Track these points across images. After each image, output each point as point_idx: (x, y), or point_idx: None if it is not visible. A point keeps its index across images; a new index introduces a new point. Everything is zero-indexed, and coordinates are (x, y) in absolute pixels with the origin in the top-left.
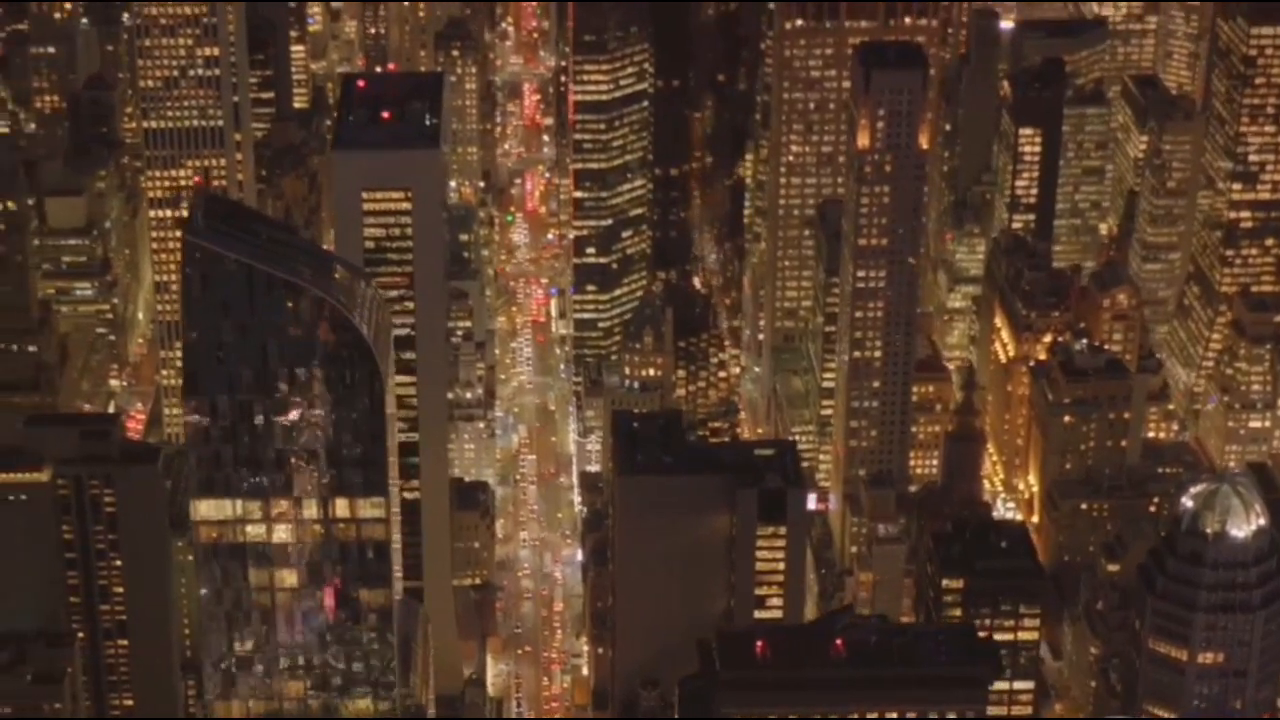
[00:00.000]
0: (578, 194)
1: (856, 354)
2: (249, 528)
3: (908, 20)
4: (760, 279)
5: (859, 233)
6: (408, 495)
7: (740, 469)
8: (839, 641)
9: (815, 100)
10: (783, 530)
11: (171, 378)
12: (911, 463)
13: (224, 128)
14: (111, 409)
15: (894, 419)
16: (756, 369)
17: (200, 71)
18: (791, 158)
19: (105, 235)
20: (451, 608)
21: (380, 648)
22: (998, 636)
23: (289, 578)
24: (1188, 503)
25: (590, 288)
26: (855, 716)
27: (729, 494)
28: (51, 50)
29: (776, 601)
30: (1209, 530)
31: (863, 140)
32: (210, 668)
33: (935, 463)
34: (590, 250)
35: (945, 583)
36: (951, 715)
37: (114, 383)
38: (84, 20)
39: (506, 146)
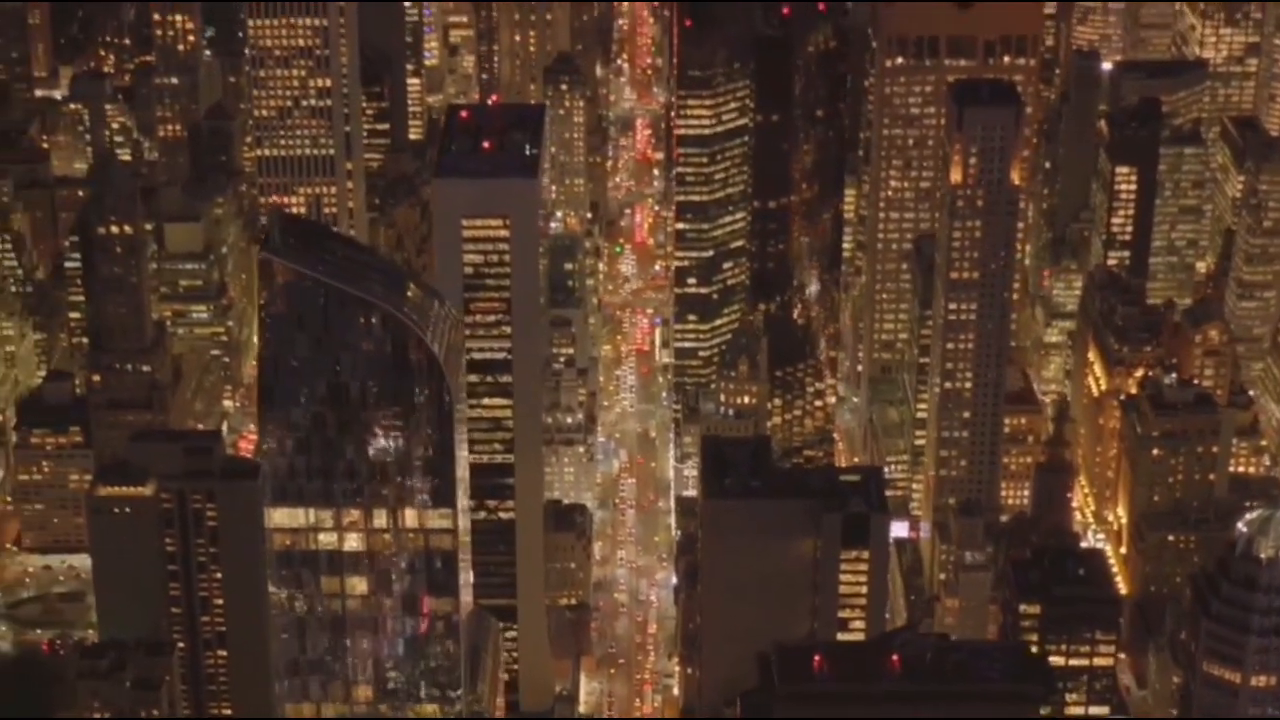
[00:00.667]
0: (680, 226)
1: (947, 385)
2: (321, 536)
3: (1006, 59)
4: (860, 311)
5: (951, 266)
6: (503, 515)
7: (825, 494)
8: (895, 657)
9: (914, 137)
10: (865, 554)
11: None
12: (1003, 493)
13: (335, 156)
14: (224, 429)
15: (983, 449)
16: (855, 399)
17: (313, 102)
18: (890, 193)
19: (222, 260)
20: (544, 626)
21: (446, 655)
22: (1073, 662)
23: (359, 585)
24: (1242, 528)
25: (691, 317)
26: None
27: (814, 518)
28: (175, 81)
29: (859, 624)
30: (1263, 555)
31: (955, 175)
32: (282, 671)
33: (1026, 493)
34: (691, 281)
35: (1023, 608)
36: None
37: (227, 403)
38: (207, 52)
39: (617, 180)
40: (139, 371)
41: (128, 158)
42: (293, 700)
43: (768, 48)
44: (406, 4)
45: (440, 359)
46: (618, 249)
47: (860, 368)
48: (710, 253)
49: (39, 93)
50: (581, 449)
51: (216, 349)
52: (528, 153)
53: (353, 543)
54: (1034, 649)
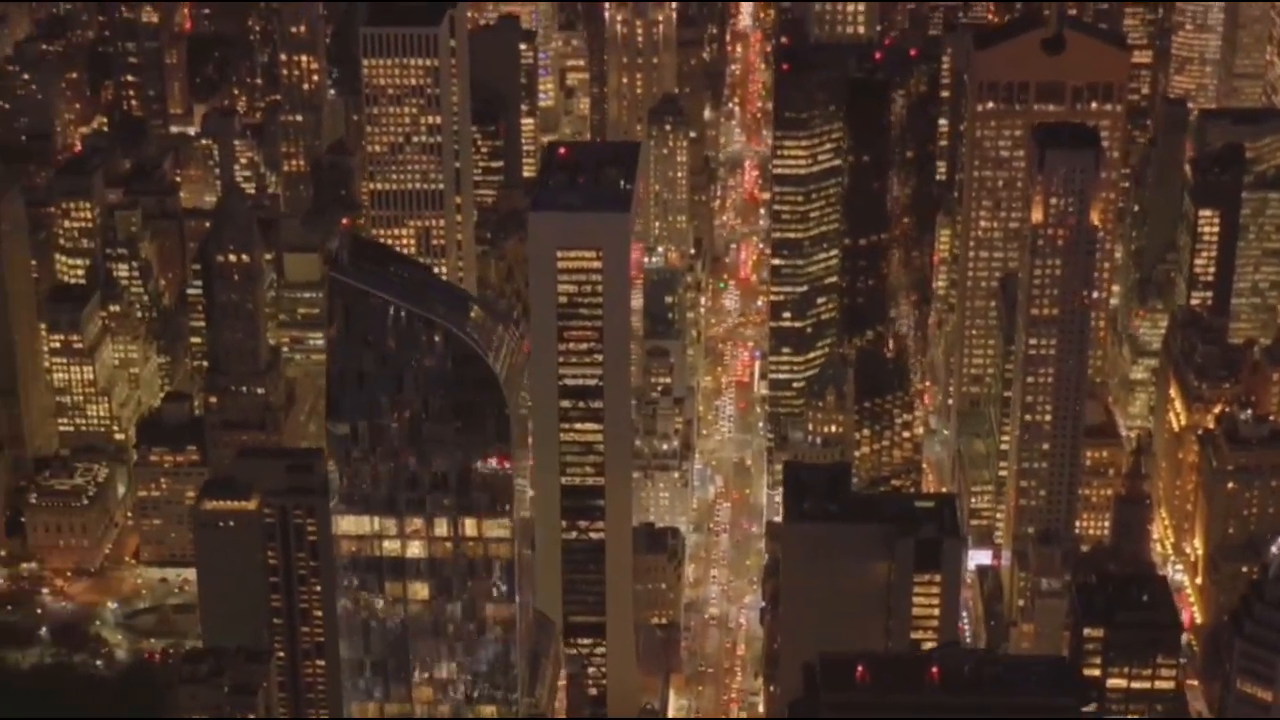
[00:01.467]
0: (776, 262)
1: (1027, 418)
2: (385, 543)
3: (1093, 105)
4: (951, 346)
5: (1031, 303)
6: (594, 535)
7: (900, 519)
8: (934, 669)
9: (1003, 178)
10: (938, 578)
11: None
12: (1084, 523)
13: (444, 191)
14: None
15: (1061, 480)
16: (945, 431)
17: (424, 138)
18: (980, 232)
19: None
20: (632, 642)
21: (504, 659)
22: (1135, 685)
23: (421, 590)
24: (1276, 552)
25: (785, 350)
26: None
27: (889, 543)
28: (299, 119)
29: (931, 645)
30: None
31: (1036, 215)
32: (348, 672)
33: (1107, 524)
34: (786, 315)
35: (1087, 631)
36: None
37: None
38: (331, 92)
39: (724, 218)
40: (253, 394)
41: (252, 191)
42: (357, 699)
43: (861, 91)
44: (522, 47)
45: (500, 377)
46: (722, 284)
47: (950, 401)
48: (805, 288)
49: (174, 129)
50: (676, 474)
51: None
52: (621, 188)
53: (415, 550)
54: (1096, 671)
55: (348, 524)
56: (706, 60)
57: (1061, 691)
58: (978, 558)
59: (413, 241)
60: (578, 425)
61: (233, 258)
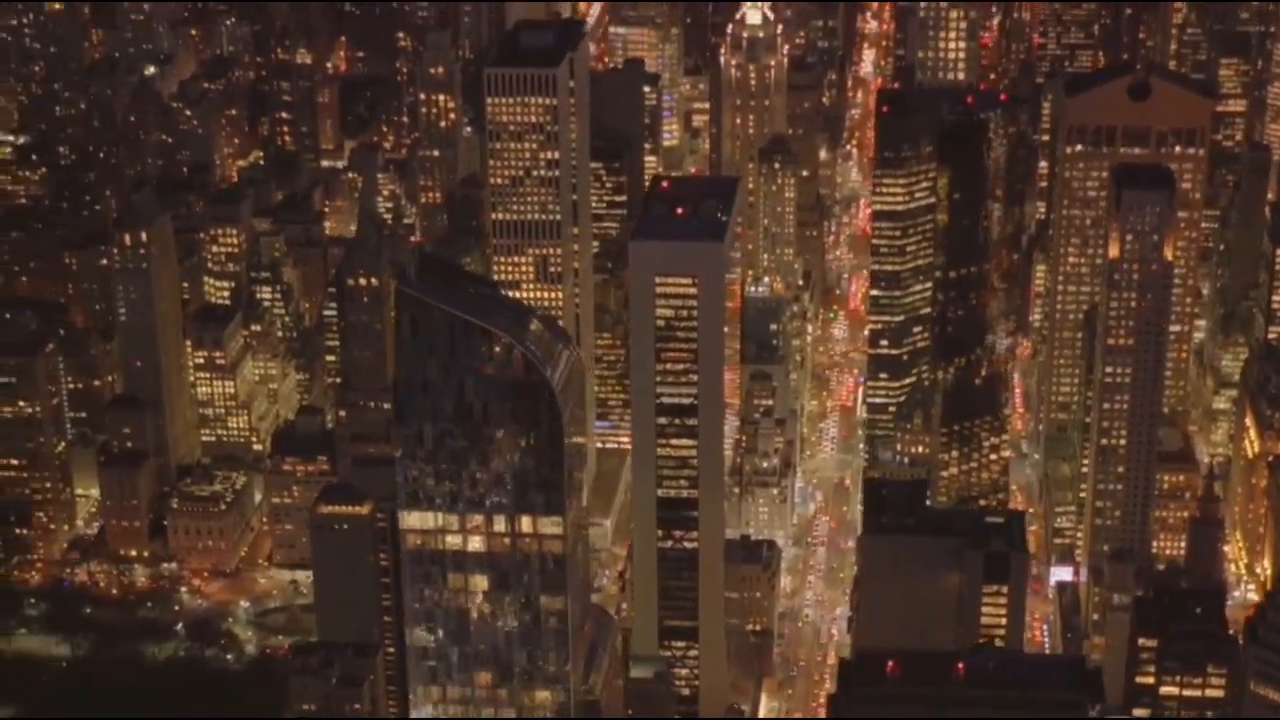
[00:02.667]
0: (874, 293)
1: (1103, 442)
2: (448, 538)
3: (1177, 149)
4: (1041, 374)
5: (1108, 333)
6: (687, 545)
7: (971, 534)
8: (960, 666)
9: (1090, 217)
10: (1005, 589)
11: None
12: (1161, 543)
13: (561, 222)
14: None
15: (1135, 501)
16: (1036, 455)
17: (542, 172)
18: (1068, 267)
19: None
20: (722, 646)
21: (557, 647)
22: (1186, 693)
23: (481, 583)
24: None
25: (883, 375)
26: None
27: (959, 555)
28: (436, 153)
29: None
30: None
31: (1114, 251)
32: (414, 657)
33: (1183, 544)
34: (884, 343)
35: (1141, 641)
36: None
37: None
38: (468, 129)
39: (837, 252)
40: (380, 409)
41: (390, 220)
42: (422, 683)
43: (951, 132)
44: (646, 90)
45: (555, 386)
46: (831, 314)
47: (1040, 426)
48: (901, 317)
49: (325, 163)
50: (775, 491)
51: None
52: (718, 219)
53: (475, 544)
54: (1150, 679)
55: (414, 520)
56: (825, 104)
57: (1075, 689)
58: (1059, 574)
59: (531, 268)
60: (673, 441)
61: (363, 282)
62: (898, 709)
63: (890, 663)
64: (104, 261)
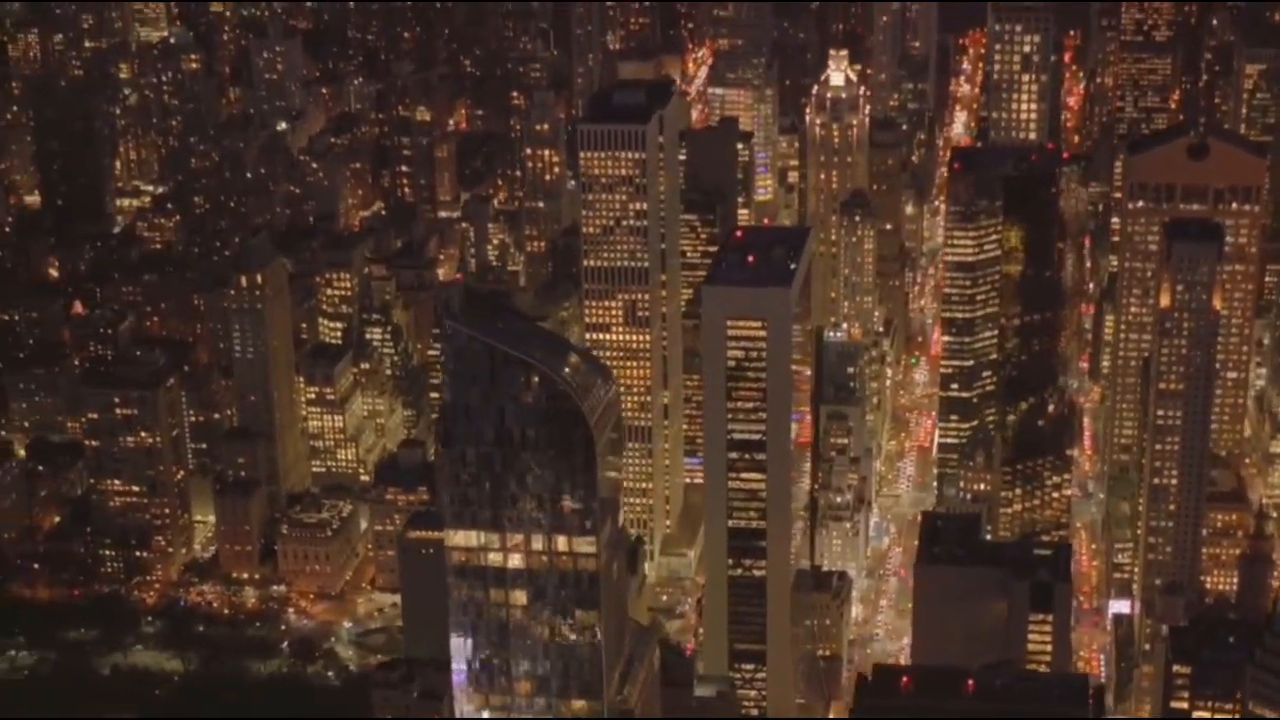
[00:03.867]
0: (946, 339)
1: (1156, 481)
2: (490, 555)
3: (1234, 205)
4: (1106, 418)
5: (1160, 378)
6: (756, 573)
7: (1019, 565)
8: (970, 681)
9: (1150, 269)
10: (1049, 618)
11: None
12: (1213, 579)
13: (649, 269)
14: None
15: (1186, 537)
16: (1101, 495)
17: (631, 222)
18: (1130, 316)
19: None
20: (790, 668)
21: (592, 659)
22: (1218, 717)
23: (520, 597)
24: None
25: (954, 417)
26: None
27: (1007, 585)
28: (541, 204)
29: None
30: None
31: (1165, 300)
32: (458, 666)
33: (1234, 580)
34: (955, 386)
35: (1175, 668)
36: None
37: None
38: (571, 182)
39: (922, 302)
40: None
41: (495, 262)
42: (465, 691)
43: (1016, 188)
44: (740, 147)
45: (588, 415)
46: (914, 360)
47: (1105, 467)
48: (971, 362)
49: (441, 214)
50: (848, 525)
51: None
52: (787, 267)
53: (515, 561)
54: (1185, 704)
55: (458, 538)
56: (915, 162)
57: (1077, 706)
58: (1117, 606)
59: (621, 312)
60: (743, 474)
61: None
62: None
63: (905, 678)
64: (225, 303)
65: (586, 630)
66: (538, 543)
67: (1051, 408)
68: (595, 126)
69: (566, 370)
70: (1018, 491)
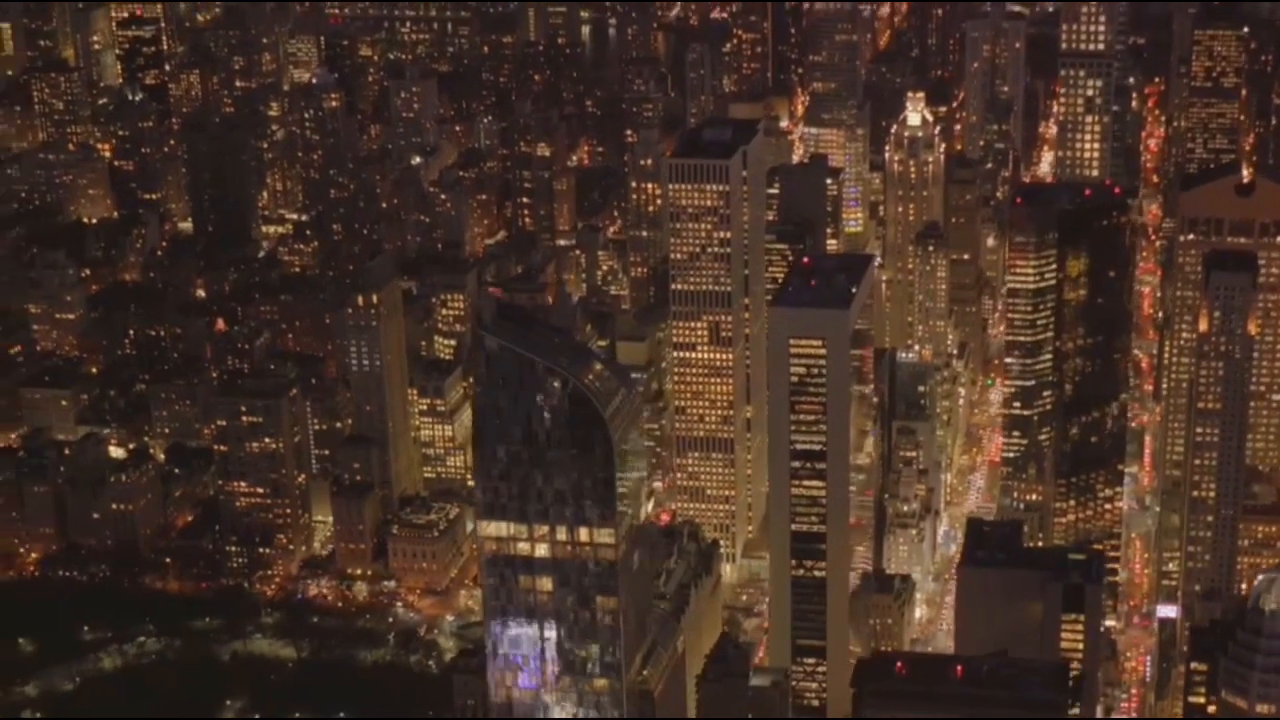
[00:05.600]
0: (1008, 360)
1: (1195, 494)
2: (519, 544)
3: (1278, 238)
4: (1160, 436)
5: (1198, 398)
6: (817, 573)
7: (1054, 568)
8: (959, 668)
9: (1199, 296)
10: (1081, 618)
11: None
12: (1251, 585)
13: (732, 293)
14: (650, 504)
15: (1223, 546)
16: (1157, 508)
17: (716, 249)
18: (1181, 341)
19: (661, 372)
20: (847, 663)
21: (612, 640)
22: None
23: (546, 583)
24: (1256, 587)
25: (1015, 433)
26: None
27: (1042, 587)
28: (645, 233)
29: (1075, 671)
30: (1267, 609)
31: (1203, 325)
32: (490, 647)
33: None
34: (1016, 404)
35: (1194, 665)
36: None
37: (657, 485)
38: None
39: (1002, 327)
40: None
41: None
42: (497, 670)
43: (1072, 220)
44: (829, 182)
45: (607, 418)
46: (989, 381)
47: (1160, 481)
48: (1032, 382)
49: (560, 242)
50: (914, 531)
51: (649, 440)
52: (848, 291)
53: (541, 550)
54: (1201, 699)
55: (491, 529)
56: (1000, 197)
57: (1057, 691)
58: (1164, 611)
59: (706, 332)
60: (805, 482)
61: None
62: (902, 702)
63: (899, 663)
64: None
65: (608, 614)
66: (562, 534)
67: (1110, 425)
68: (683, 161)
69: (590, 377)
70: (1071, 502)
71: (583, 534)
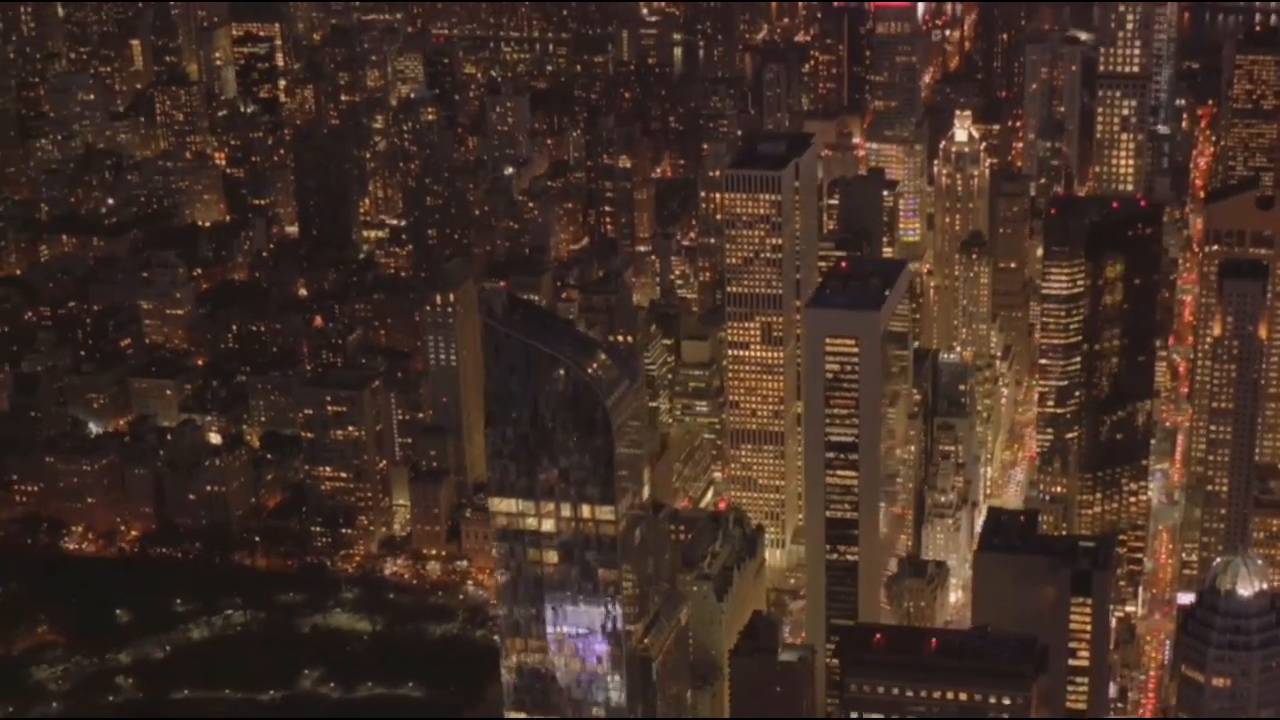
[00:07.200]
0: (1043, 362)
1: (1209, 489)
2: (527, 519)
3: None
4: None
5: (1212, 398)
6: (850, 558)
7: (1065, 554)
8: (933, 640)
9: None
10: (1089, 601)
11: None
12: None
13: (783, 295)
14: (710, 493)
15: (1234, 537)
16: (1184, 501)
17: (768, 255)
18: (1206, 346)
19: (722, 370)
20: None
21: (613, 610)
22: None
23: (552, 556)
24: (1214, 569)
25: (1049, 430)
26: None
27: (1053, 572)
28: (712, 240)
29: (1084, 652)
30: (1223, 589)
31: (1216, 330)
32: (503, 615)
33: None
34: (1050, 403)
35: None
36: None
37: (716, 475)
38: None
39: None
40: None
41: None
42: (508, 636)
43: (1099, 231)
44: (886, 194)
45: (607, 403)
46: (1033, 382)
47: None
48: (1065, 382)
49: (639, 249)
50: (950, 521)
51: (710, 434)
52: (881, 294)
53: (547, 525)
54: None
55: (501, 505)
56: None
57: (1024, 663)
58: (1184, 598)
59: (758, 332)
60: (839, 472)
61: (620, 338)
62: (880, 670)
63: (878, 635)
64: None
65: (609, 586)
66: (566, 511)
67: (1139, 423)
68: (738, 172)
69: (594, 366)
70: (1097, 495)
71: (585, 511)
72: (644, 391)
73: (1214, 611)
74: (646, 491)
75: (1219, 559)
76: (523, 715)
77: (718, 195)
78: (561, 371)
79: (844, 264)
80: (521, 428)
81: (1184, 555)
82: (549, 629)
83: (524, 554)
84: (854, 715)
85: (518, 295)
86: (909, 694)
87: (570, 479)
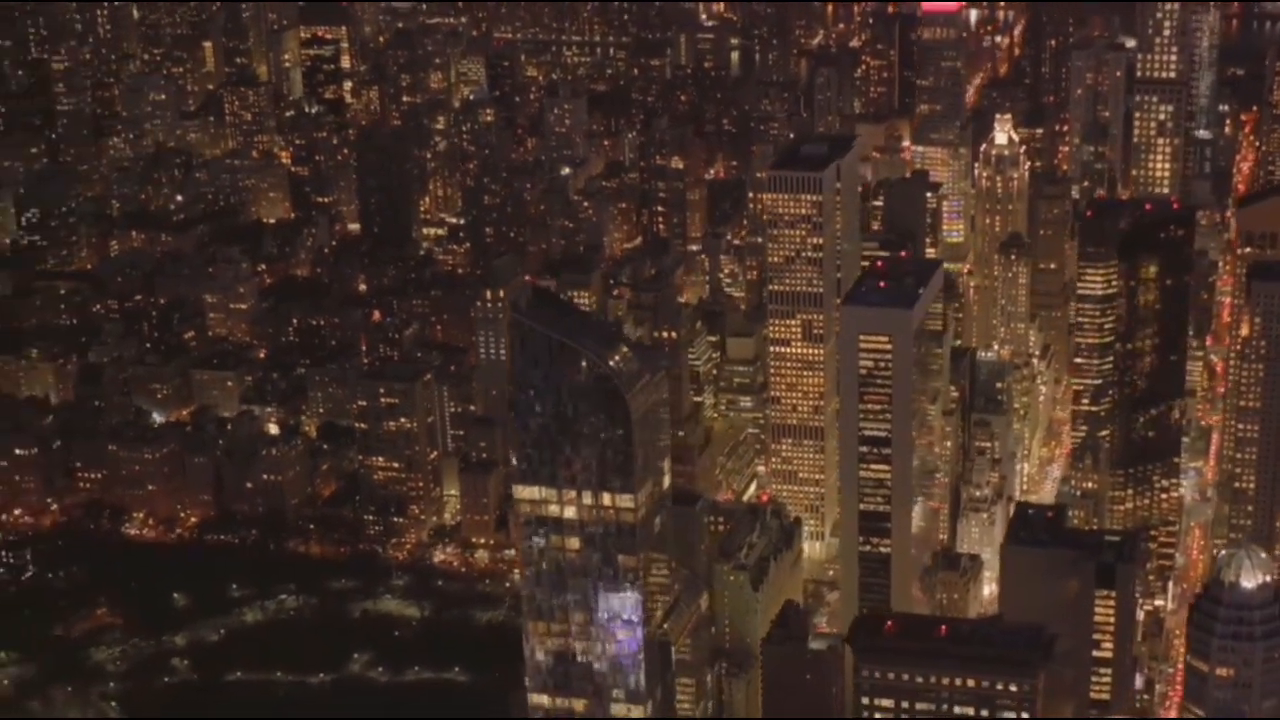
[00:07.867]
0: (1077, 360)
1: (1236, 485)
2: (550, 506)
3: None
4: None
5: (1240, 396)
6: (882, 549)
7: (1091, 548)
8: (943, 627)
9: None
10: (1112, 594)
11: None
12: None
13: (824, 294)
14: (753, 486)
15: (1261, 532)
16: (1216, 498)
17: (809, 254)
18: (1237, 346)
19: (766, 366)
20: None
21: (635, 595)
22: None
23: (574, 543)
24: (1220, 560)
25: (1083, 427)
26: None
27: (1079, 565)
28: (759, 240)
29: (1108, 643)
30: (1227, 581)
31: (1244, 330)
32: (527, 599)
33: None
34: (1085, 401)
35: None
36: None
37: (760, 469)
38: None
39: None
40: (675, 435)
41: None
42: (531, 619)
43: (1132, 233)
44: (929, 195)
45: (627, 394)
46: (1072, 381)
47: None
48: (1099, 381)
49: (691, 248)
50: (985, 515)
51: (754, 428)
52: (915, 292)
53: (570, 513)
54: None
55: (525, 492)
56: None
57: (1030, 651)
58: None
59: (799, 329)
60: (872, 465)
61: (664, 334)
62: (894, 658)
63: (889, 622)
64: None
65: (629, 572)
66: (587, 498)
67: (1172, 421)
68: (780, 173)
69: (616, 358)
70: (1129, 491)
71: (606, 499)
72: (665, 384)
73: (1218, 603)
74: (667, 480)
75: (1223, 551)
76: (545, 698)
77: (764, 196)
78: (584, 363)
79: (880, 263)
80: (545, 418)
81: (1214, 551)
82: (571, 614)
83: (547, 541)
84: (865, 700)
85: (542, 288)
86: (919, 680)
87: (592, 468)
